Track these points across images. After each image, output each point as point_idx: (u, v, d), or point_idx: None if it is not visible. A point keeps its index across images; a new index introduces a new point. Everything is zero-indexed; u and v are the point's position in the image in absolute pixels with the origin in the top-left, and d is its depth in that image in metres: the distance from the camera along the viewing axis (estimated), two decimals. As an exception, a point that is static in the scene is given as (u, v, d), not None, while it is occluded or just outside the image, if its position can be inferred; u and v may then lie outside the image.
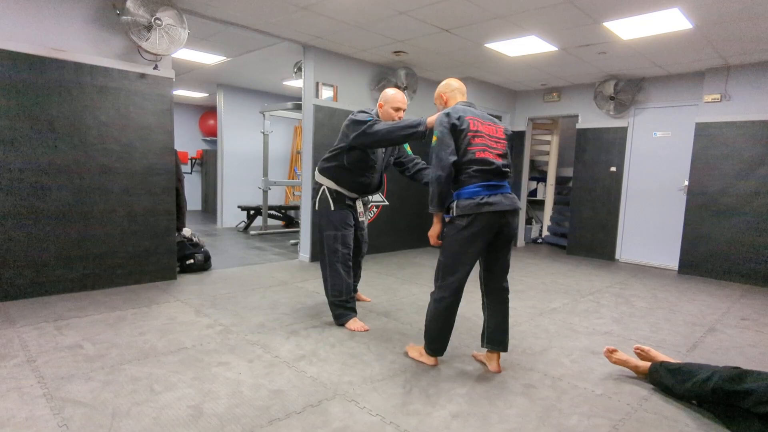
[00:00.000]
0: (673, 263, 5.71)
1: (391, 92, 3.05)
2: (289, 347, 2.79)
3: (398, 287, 4.34)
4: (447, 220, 2.46)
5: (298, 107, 6.46)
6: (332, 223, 3.15)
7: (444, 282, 2.44)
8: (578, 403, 2.26)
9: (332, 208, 3.16)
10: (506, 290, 2.57)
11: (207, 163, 10.69)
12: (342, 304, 3.15)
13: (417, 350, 2.67)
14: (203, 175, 10.87)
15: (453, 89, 2.66)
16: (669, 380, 2.34)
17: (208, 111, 10.82)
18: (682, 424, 2.10)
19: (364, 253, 3.58)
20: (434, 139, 2.45)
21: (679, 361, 2.46)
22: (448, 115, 2.45)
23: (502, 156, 2.48)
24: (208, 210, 10.69)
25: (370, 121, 2.91)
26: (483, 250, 2.44)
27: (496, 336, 2.53)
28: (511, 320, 3.48)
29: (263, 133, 7.35)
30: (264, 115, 7.26)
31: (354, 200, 3.26)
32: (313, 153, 5.12)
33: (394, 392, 2.28)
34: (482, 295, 2.61)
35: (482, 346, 2.58)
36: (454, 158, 2.39)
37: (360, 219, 3.32)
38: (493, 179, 2.41)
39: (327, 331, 3.08)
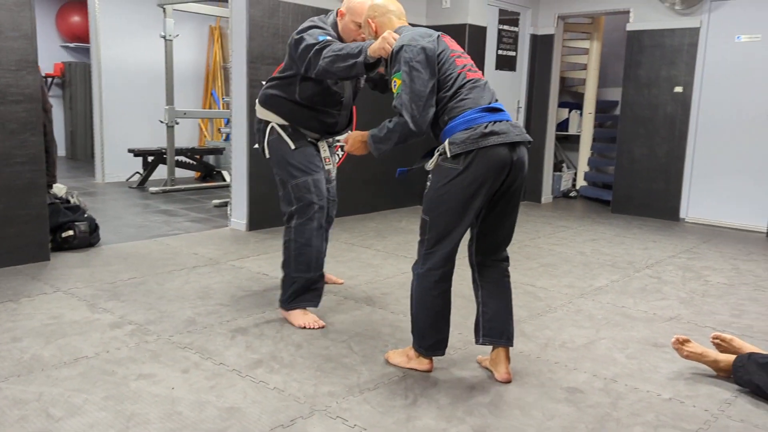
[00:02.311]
0: (761, 223, 6.10)
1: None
2: (238, 350, 2.91)
3: (381, 263, 4.51)
4: (430, 167, 2.58)
5: (218, -2, 6.35)
6: (297, 168, 3.22)
7: (432, 249, 2.58)
8: (640, 411, 2.48)
9: (293, 147, 3.24)
10: (507, 261, 2.76)
11: (72, 84, 10.44)
12: (306, 285, 3.27)
13: (403, 354, 2.82)
14: (67, 103, 10.61)
15: (386, 12, 2.77)
16: (761, 377, 2.59)
17: (70, 2, 10.44)
18: (777, 431, 2.37)
19: (333, 216, 3.68)
20: (397, 82, 2.53)
21: (771, 352, 2.72)
22: (421, 46, 2.52)
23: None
24: (76, 156, 10.51)
25: (319, 43, 2.94)
26: (484, 205, 2.59)
27: (496, 324, 2.69)
28: (542, 304, 3.72)
29: (164, 37, 7.21)
30: (165, 10, 7.10)
31: (316, 140, 3.35)
32: (247, 70, 5.12)
33: (393, 404, 2.45)
34: (472, 271, 2.77)
35: (477, 342, 2.74)
36: (432, 111, 2.53)
37: (327, 166, 3.41)
38: (492, 101, 2.57)
39: (287, 327, 3.22)
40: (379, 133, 2.64)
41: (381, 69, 3.00)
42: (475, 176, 2.46)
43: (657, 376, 2.81)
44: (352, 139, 2.81)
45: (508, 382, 2.68)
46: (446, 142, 2.49)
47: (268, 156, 3.33)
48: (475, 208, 2.52)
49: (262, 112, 3.32)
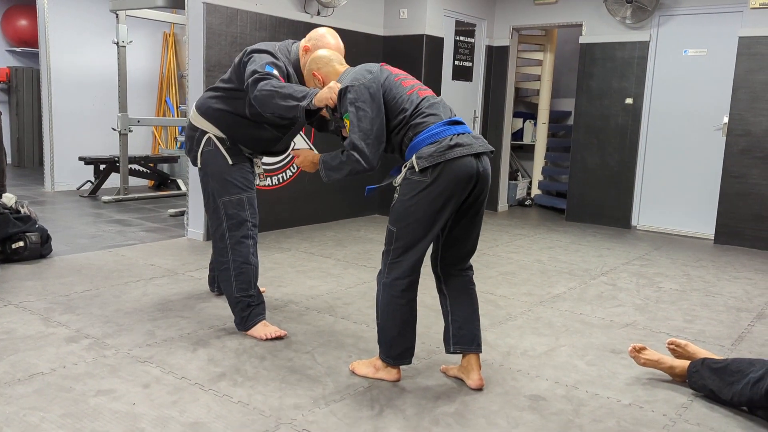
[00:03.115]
0: (709, 230, 6.29)
1: (324, 37, 3.06)
2: (199, 364, 2.86)
3: (341, 273, 4.50)
4: (398, 183, 2.61)
5: (174, 4, 6.27)
6: (232, 184, 3.20)
7: (398, 259, 2.61)
8: (602, 417, 2.53)
9: (231, 163, 3.21)
10: (471, 269, 2.83)
11: (18, 90, 10.16)
12: (251, 302, 3.24)
13: (369, 364, 2.82)
14: (13, 109, 10.32)
15: (329, 62, 2.84)
16: (714, 382, 2.68)
17: (16, 5, 10.16)
18: (731, 434, 2.45)
19: None
20: (347, 123, 2.60)
21: (724, 357, 2.81)
22: (363, 84, 2.58)
23: None
24: (23, 163, 10.23)
25: (261, 73, 2.90)
26: (451, 217, 2.64)
27: (467, 332, 2.74)
28: (503, 312, 3.77)
29: (117, 43, 7.07)
30: (118, 16, 6.97)
31: (250, 154, 3.35)
32: (205, 78, 5.06)
33: (360, 415, 2.44)
34: (438, 282, 2.82)
35: (448, 351, 2.78)
36: (383, 146, 2.61)
37: (261, 182, 3.45)
38: (452, 115, 2.65)
39: (249, 339, 3.18)
40: (332, 161, 2.67)
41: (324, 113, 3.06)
42: (443, 188, 2.50)
43: (616, 382, 2.87)
44: (303, 157, 2.84)
45: (481, 388, 2.71)
46: (413, 157, 2.52)
47: (199, 166, 3.28)
48: (442, 219, 2.56)
49: (198, 120, 3.26)
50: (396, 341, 2.68)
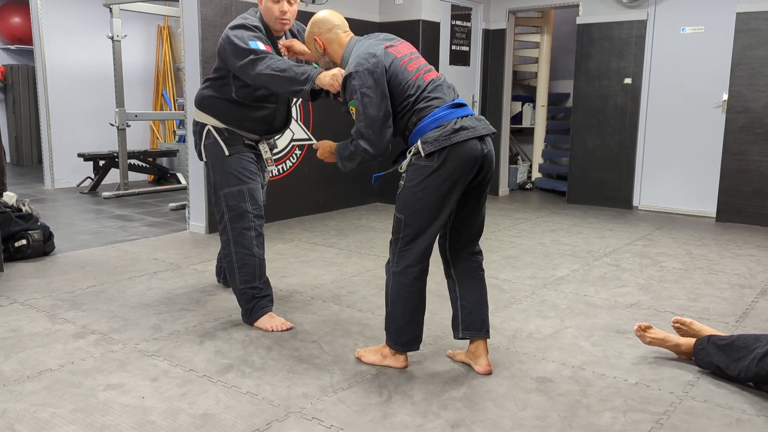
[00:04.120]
0: (710, 208, 6.30)
1: None
2: (207, 356, 2.88)
3: (344, 261, 4.50)
4: (403, 169, 2.61)
5: (167, -3, 6.25)
6: (232, 175, 3.20)
7: (407, 246, 2.61)
8: (609, 397, 2.55)
9: (227, 153, 3.21)
10: (481, 254, 2.82)
11: (14, 88, 10.15)
12: (256, 294, 3.24)
13: (376, 352, 2.83)
14: (9, 107, 10.32)
15: (332, 27, 2.77)
16: (720, 359, 2.69)
17: (9, 3, 10.12)
18: (739, 411, 2.46)
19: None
20: (353, 110, 2.59)
21: (729, 334, 2.82)
22: (367, 69, 2.54)
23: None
24: (22, 162, 10.24)
25: (253, 53, 2.92)
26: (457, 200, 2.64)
27: (476, 318, 2.73)
28: (507, 296, 3.78)
29: (112, 38, 7.06)
30: (111, 10, 6.95)
31: (256, 142, 3.34)
32: (201, 70, 5.05)
33: (368, 402, 2.46)
34: (446, 267, 2.81)
35: (456, 337, 2.79)
36: (390, 131, 2.58)
37: (269, 167, 3.42)
38: (455, 98, 2.64)
39: (255, 330, 3.19)
40: (344, 151, 2.69)
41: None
42: (449, 172, 2.49)
43: (622, 362, 2.88)
44: (322, 148, 2.85)
45: (490, 373, 2.73)
46: (419, 142, 2.51)
47: (204, 160, 3.31)
48: (450, 204, 2.56)
49: (198, 114, 3.28)
50: (405, 329, 2.69)
